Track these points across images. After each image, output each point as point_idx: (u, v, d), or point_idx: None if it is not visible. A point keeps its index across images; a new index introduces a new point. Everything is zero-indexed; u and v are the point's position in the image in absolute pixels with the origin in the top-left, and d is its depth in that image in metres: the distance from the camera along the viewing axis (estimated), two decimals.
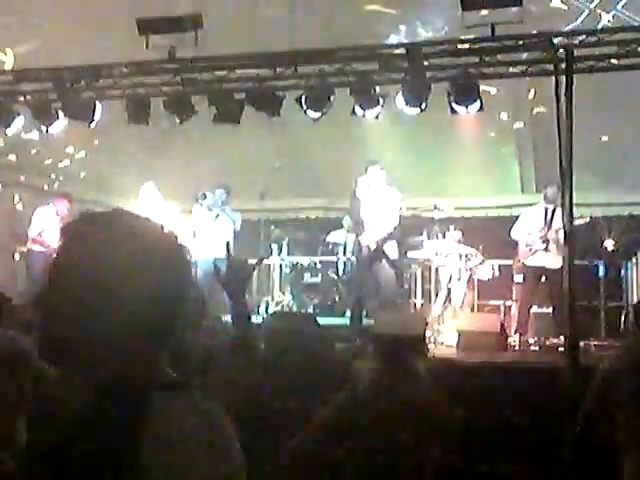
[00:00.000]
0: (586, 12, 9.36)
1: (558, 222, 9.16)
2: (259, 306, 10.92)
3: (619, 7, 9.05)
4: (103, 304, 1.39)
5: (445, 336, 9.63)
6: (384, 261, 8.91)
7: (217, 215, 10.00)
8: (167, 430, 1.38)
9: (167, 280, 1.46)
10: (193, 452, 1.38)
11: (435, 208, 10.07)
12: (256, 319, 9.34)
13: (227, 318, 9.14)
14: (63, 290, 1.42)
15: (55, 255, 1.46)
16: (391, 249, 9.07)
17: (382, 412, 4.21)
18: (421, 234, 10.23)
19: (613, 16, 9.08)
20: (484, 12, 7.10)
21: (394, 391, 4.24)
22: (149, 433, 1.36)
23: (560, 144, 6.99)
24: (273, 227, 11.36)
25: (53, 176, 11.23)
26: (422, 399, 4.29)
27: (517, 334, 9.27)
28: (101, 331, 1.39)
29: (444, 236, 10.19)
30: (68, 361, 1.44)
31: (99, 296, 1.40)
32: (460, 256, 10.18)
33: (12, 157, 10.23)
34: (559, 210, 9.16)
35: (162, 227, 1.55)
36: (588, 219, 9.29)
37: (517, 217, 9.99)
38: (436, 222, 10.18)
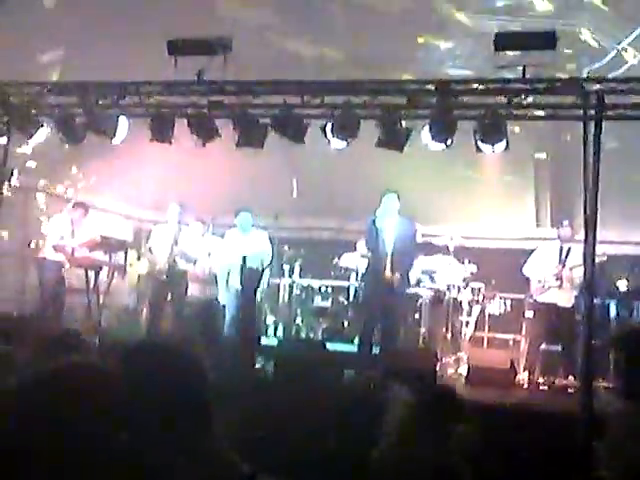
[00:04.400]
0: (614, 52, 9.36)
1: (573, 260, 9.16)
2: (268, 327, 10.91)
3: None
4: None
5: (453, 369, 9.62)
6: (396, 293, 8.89)
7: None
8: None
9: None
10: None
11: (451, 240, 10.08)
12: (266, 340, 9.44)
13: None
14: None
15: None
16: (405, 282, 9.09)
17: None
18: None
19: None
20: (516, 53, 7.07)
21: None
22: None
23: (585, 187, 6.97)
24: (287, 247, 11.31)
25: (69, 183, 11.20)
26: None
27: (526, 372, 9.24)
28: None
29: (457, 267, 10.19)
30: None
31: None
32: (472, 290, 10.18)
33: (31, 164, 10.16)
34: (574, 248, 9.17)
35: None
36: (605, 257, 9.23)
37: (531, 251, 9.95)
38: (451, 252, 10.18)
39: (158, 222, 10.70)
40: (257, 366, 8.70)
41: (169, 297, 9.90)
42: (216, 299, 9.98)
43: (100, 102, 8.06)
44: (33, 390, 1.63)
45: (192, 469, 1.62)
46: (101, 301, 9.70)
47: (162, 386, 1.78)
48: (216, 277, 10.30)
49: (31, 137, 8.50)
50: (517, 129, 8.31)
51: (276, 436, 5.49)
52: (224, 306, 9.69)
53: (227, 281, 9.70)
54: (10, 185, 9.69)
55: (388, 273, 8.75)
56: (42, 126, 8.45)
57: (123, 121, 8.27)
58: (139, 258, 11.08)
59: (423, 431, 4.17)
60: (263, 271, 9.49)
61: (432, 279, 10.29)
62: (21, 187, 10.86)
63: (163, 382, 1.80)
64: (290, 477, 2.45)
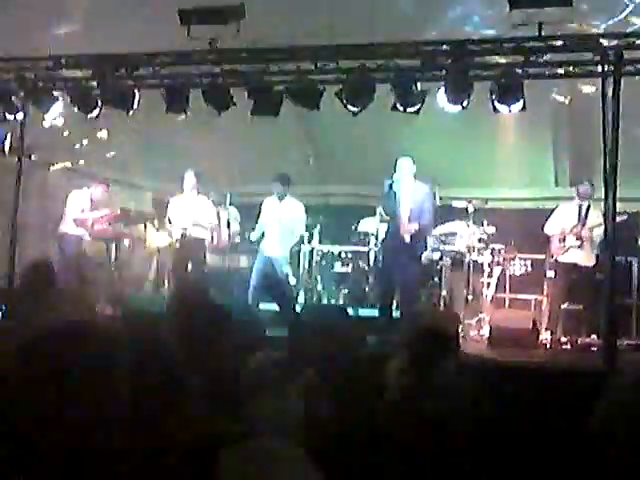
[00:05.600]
0: (630, 7, 9.20)
1: (592, 219, 9.12)
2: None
3: None
4: None
5: (475, 331, 9.64)
6: (414, 255, 8.89)
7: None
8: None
9: None
10: None
11: (469, 202, 10.03)
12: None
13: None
14: None
15: None
16: (423, 243, 9.08)
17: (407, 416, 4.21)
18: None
19: None
20: (532, 10, 6.96)
21: (420, 395, 4.22)
22: None
23: (604, 145, 6.90)
24: (305, 214, 11.28)
25: (85, 158, 11.21)
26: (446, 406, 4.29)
27: (548, 331, 9.24)
28: None
29: (477, 229, 10.15)
30: None
31: None
32: (492, 250, 10.15)
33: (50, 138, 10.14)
34: (593, 207, 9.12)
35: None
36: (626, 216, 9.16)
37: (551, 211, 9.91)
38: (469, 214, 10.13)
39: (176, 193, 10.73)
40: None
41: (189, 267, 9.96)
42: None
43: (114, 74, 8.05)
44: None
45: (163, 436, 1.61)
46: (122, 273, 9.77)
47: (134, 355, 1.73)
48: (237, 246, 10.39)
49: (47, 112, 8.52)
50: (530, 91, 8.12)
51: (297, 403, 5.54)
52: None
53: (259, 245, 9.72)
54: (30, 159, 9.74)
55: (404, 232, 8.75)
56: (57, 100, 8.46)
57: (137, 94, 8.28)
58: (158, 229, 11.12)
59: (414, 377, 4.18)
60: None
61: (451, 243, 10.26)
62: (40, 162, 10.89)
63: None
64: (312, 446, 2.45)
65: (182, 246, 9.88)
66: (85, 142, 10.84)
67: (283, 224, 9.57)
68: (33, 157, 9.57)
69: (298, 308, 9.83)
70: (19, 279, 5.09)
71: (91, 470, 1.51)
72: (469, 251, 10.01)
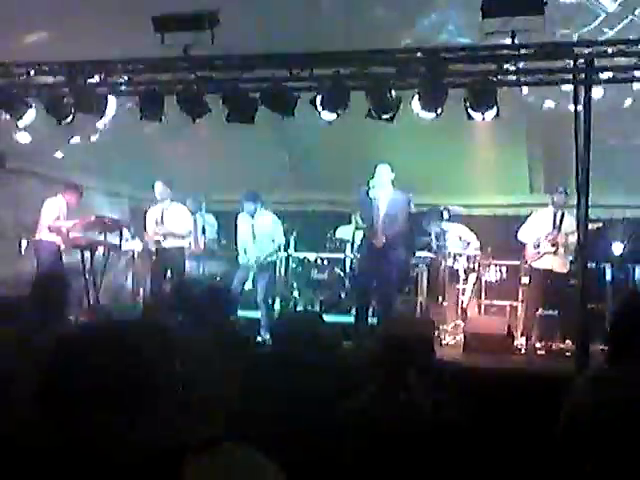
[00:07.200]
0: (603, 16, 9.29)
1: (567, 226, 9.17)
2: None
3: (637, 13, 8.99)
4: None
5: (451, 337, 9.66)
6: (389, 261, 8.91)
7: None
8: None
9: None
10: None
11: (444, 209, 10.09)
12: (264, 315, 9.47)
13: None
14: None
15: None
16: (398, 250, 9.11)
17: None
18: (429, 234, 10.25)
19: (630, 21, 9.02)
20: (505, 19, 7.02)
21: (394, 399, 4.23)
22: None
23: (577, 152, 6.95)
24: (280, 221, 11.29)
25: (60, 164, 11.12)
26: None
27: (523, 337, 9.29)
28: None
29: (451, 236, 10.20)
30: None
31: None
32: (468, 257, 10.19)
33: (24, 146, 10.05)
34: (568, 214, 9.18)
35: None
36: (601, 224, 9.26)
37: (525, 217, 9.97)
38: (444, 221, 10.18)
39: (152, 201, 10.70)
40: (258, 339, 8.77)
41: (168, 275, 9.99)
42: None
43: (88, 81, 8.01)
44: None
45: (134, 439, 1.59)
46: (97, 281, 9.69)
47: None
48: (213, 252, 10.47)
49: (20, 119, 8.45)
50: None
51: (275, 409, 5.52)
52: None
53: (241, 257, 9.95)
54: (3, 167, 9.66)
55: (378, 240, 8.79)
56: (30, 107, 8.40)
57: (111, 100, 8.24)
58: (134, 237, 11.06)
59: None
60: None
61: (427, 249, 10.29)
62: (14, 170, 10.80)
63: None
64: (290, 452, 2.43)
65: (158, 258, 9.96)
66: (60, 150, 10.76)
67: (259, 238, 9.75)
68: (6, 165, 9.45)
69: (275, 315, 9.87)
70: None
71: (58, 473, 1.50)
72: (445, 257, 10.05)
